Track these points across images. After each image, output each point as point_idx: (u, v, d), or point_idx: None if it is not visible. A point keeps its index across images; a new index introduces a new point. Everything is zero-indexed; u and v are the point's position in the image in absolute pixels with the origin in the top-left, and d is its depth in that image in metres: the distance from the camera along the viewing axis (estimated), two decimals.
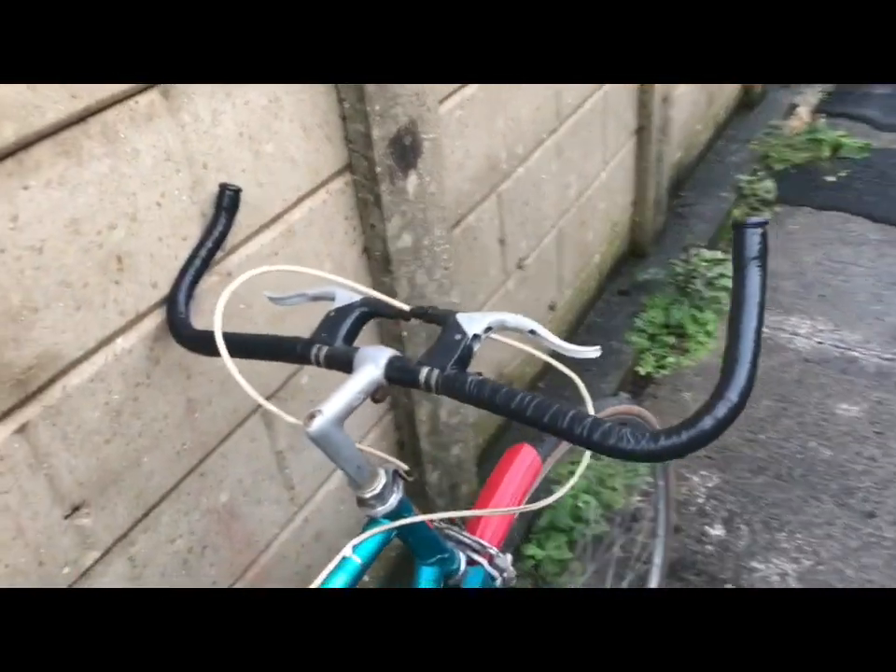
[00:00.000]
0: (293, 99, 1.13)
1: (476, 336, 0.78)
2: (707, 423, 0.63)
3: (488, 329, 0.79)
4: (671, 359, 2.48)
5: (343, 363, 0.80)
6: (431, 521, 0.93)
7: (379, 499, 0.83)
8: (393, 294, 1.40)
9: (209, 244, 1.01)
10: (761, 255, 0.66)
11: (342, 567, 0.80)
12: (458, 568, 0.97)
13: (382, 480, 0.82)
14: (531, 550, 1.87)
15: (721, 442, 2.18)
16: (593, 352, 0.75)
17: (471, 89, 1.57)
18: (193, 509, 1.14)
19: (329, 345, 0.83)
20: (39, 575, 0.93)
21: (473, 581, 0.98)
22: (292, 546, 1.38)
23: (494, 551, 1.01)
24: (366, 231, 1.35)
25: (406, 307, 0.85)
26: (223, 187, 1.02)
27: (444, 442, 1.70)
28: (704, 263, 2.72)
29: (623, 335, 2.52)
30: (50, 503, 0.92)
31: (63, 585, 0.96)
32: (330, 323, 0.85)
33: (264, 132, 1.10)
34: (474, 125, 1.61)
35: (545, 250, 2.11)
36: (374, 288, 1.40)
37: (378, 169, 1.26)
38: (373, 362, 0.78)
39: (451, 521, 1.00)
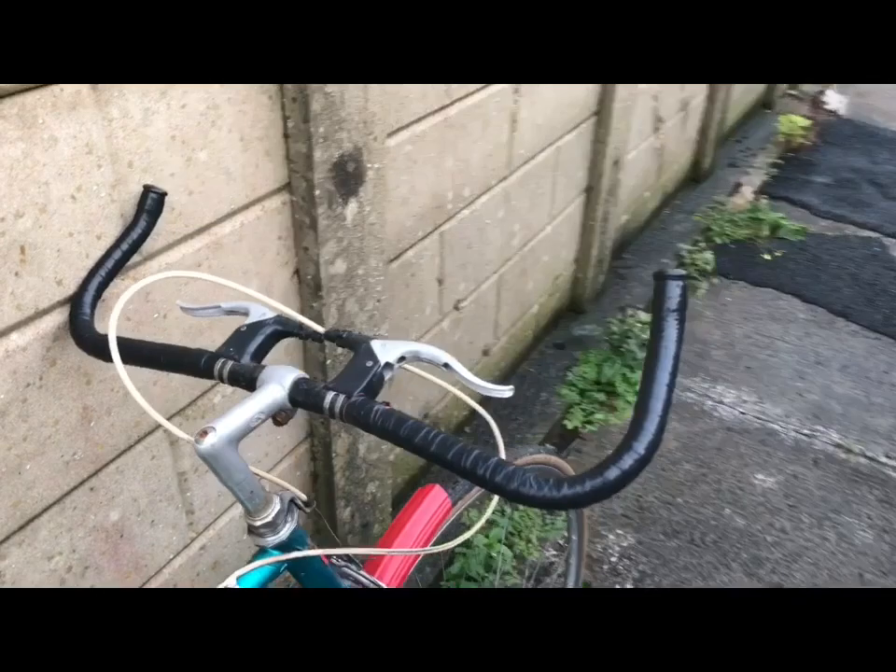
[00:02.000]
0: (233, 109, 1.10)
1: (388, 364, 0.75)
2: (612, 473, 0.61)
3: (401, 359, 0.76)
4: (599, 416, 2.48)
5: (248, 381, 0.76)
6: (328, 557, 0.88)
7: (270, 528, 0.78)
8: (320, 320, 1.36)
9: (124, 246, 0.97)
10: (679, 308, 0.65)
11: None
12: None
13: (275, 507, 0.78)
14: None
15: (638, 503, 2.18)
16: (505, 391, 0.73)
17: (423, 126, 1.56)
18: (78, 525, 1.07)
19: (235, 360, 0.79)
20: None
21: None
22: (186, 573, 1.31)
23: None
24: (299, 253, 1.32)
25: (320, 329, 0.82)
26: (147, 188, 0.98)
27: (361, 479, 1.65)
28: (639, 325, 2.75)
29: (554, 388, 2.52)
30: None
31: None
32: (240, 338, 0.81)
33: (199, 138, 1.06)
34: (423, 162, 1.61)
35: (484, 295, 2.11)
36: (302, 313, 1.36)
37: (317, 192, 1.24)
38: (278, 382, 0.74)
39: (348, 558, 0.96)
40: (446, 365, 0.76)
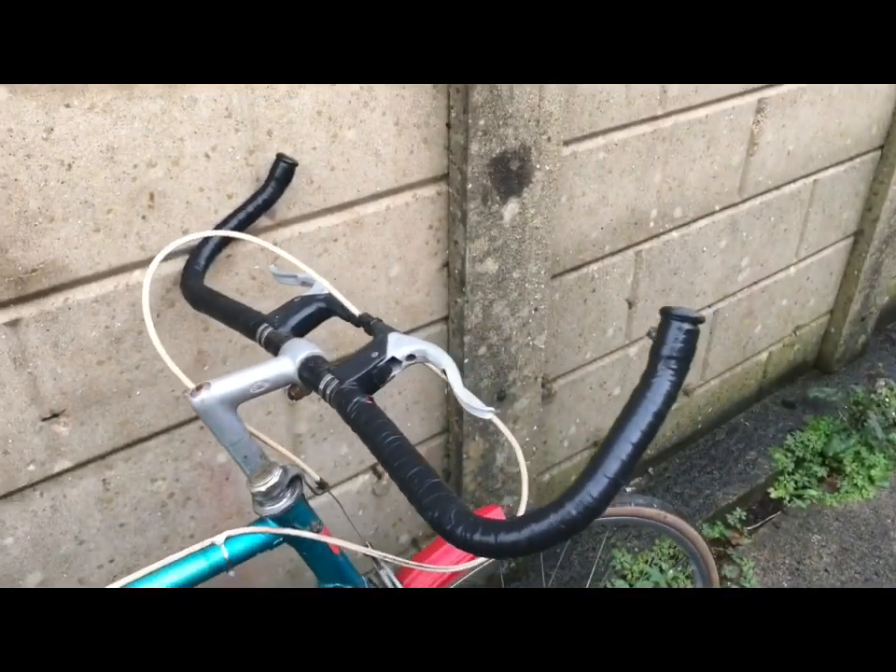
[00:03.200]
0: (390, 93, 1.11)
1: (395, 360, 0.71)
2: (535, 528, 0.52)
3: (411, 357, 0.71)
4: (813, 492, 2.15)
5: (275, 349, 0.77)
6: (344, 548, 0.86)
7: (266, 498, 0.78)
8: (462, 317, 1.33)
9: (250, 208, 1.02)
10: (679, 356, 0.54)
11: (205, 552, 0.77)
12: None
13: (273, 479, 0.78)
14: None
15: None
16: (486, 412, 0.65)
17: (623, 134, 1.46)
18: (185, 458, 1.16)
19: (275, 328, 0.79)
20: (1, 464, 0.99)
21: None
22: None
23: None
24: (450, 246, 1.30)
25: (357, 312, 0.80)
26: (279, 157, 1.03)
27: (496, 489, 1.60)
28: (891, 399, 2.34)
29: (767, 449, 2.23)
30: (28, 401, 0.97)
31: (25, 482, 1.02)
32: (290, 308, 0.82)
33: (348, 116, 1.09)
34: (620, 173, 1.50)
35: None
36: (448, 308, 1.35)
37: (470, 185, 1.21)
38: (291, 356, 0.73)
39: (378, 562, 0.93)
40: (444, 371, 0.69)
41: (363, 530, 1.48)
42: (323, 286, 0.82)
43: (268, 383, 0.73)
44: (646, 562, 1.87)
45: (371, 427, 0.63)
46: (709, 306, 1.94)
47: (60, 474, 1.05)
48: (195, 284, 0.96)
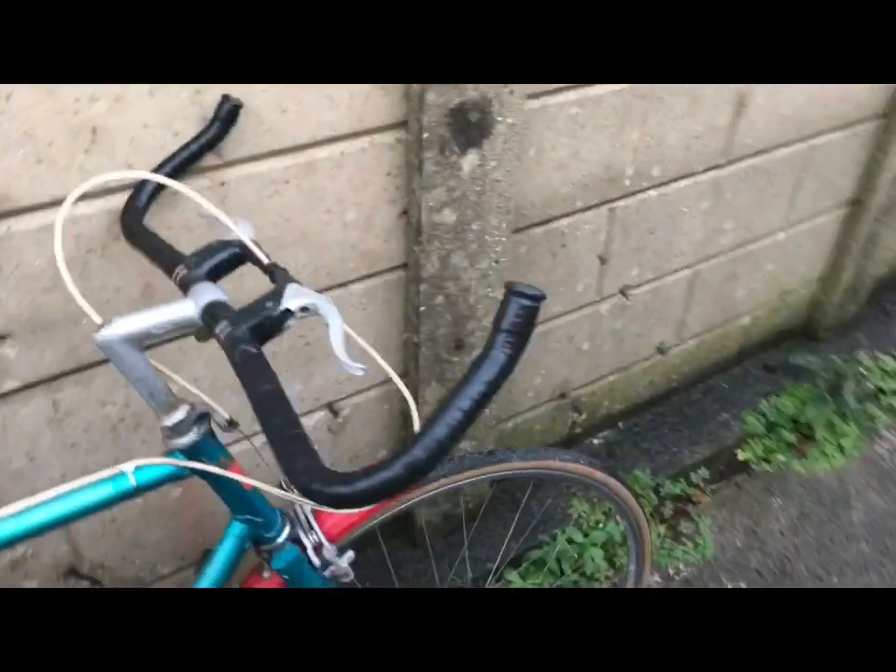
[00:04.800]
0: None
1: (289, 311, 0.73)
2: (362, 483, 0.55)
3: (304, 309, 0.74)
4: (781, 457, 2.18)
5: (185, 290, 0.80)
6: (256, 486, 0.90)
7: (173, 433, 0.82)
8: (419, 266, 1.35)
9: (194, 147, 1.04)
10: (518, 329, 0.56)
11: (114, 479, 0.81)
12: (274, 538, 0.94)
13: (179, 415, 0.81)
14: (512, 576, 1.78)
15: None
16: (356, 368, 0.68)
17: (598, 90, 1.44)
18: None
19: (190, 270, 0.82)
20: None
21: (284, 558, 0.95)
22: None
23: (323, 539, 0.97)
24: (409, 194, 1.31)
25: (266, 260, 0.82)
26: (224, 97, 1.04)
27: None
28: (879, 372, 2.34)
29: (741, 411, 2.25)
30: None
31: None
32: (207, 252, 0.84)
33: None
34: (593, 128, 1.49)
35: (667, 288, 1.93)
36: (406, 255, 1.37)
37: (426, 135, 1.21)
38: (194, 299, 0.76)
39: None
40: (328, 324, 0.72)
41: None
42: (233, 231, 0.84)
43: (171, 325, 0.76)
44: (603, 513, 1.92)
45: (251, 375, 0.66)
46: (688, 266, 1.94)
47: (8, 394, 1.10)
48: (131, 220, 0.98)
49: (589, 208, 1.61)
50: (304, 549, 0.96)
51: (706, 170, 1.76)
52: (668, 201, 1.74)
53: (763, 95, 1.73)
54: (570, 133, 1.46)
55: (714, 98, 1.64)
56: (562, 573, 1.79)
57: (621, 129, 1.53)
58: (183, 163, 1.04)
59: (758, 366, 2.43)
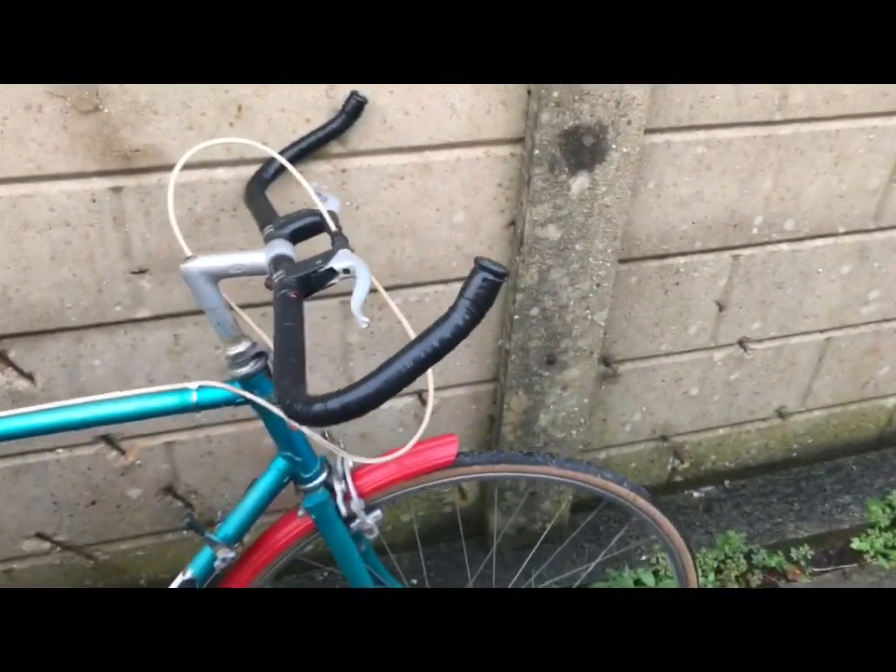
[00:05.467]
0: None
1: (332, 270, 0.84)
2: (333, 405, 0.63)
3: (346, 271, 0.84)
4: None
5: (266, 244, 0.93)
6: (293, 425, 1.01)
7: (233, 361, 0.95)
8: (517, 276, 1.43)
9: (321, 134, 1.19)
10: (478, 300, 0.63)
11: (180, 393, 0.96)
12: (311, 479, 1.05)
13: (239, 348, 0.95)
14: None
15: None
16: (362, 321, 0.76)
17: (729, 133, 1.45)
18: None
19: (276, 229, 0.95)
20: (97, 298, 1.25)
21: (315, 500, 1.05)
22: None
23: (354, 493, 1.07)
24: (518, 206, 1.39)
25: (335, 229, 0.93)
26: (352, 93, 1.18)
27: (536, 448, 1.69)
28: None
29: (866, 499, 2.09)
30: (120, 254, 1.22)
31: (112, 318, 1.28)
32: (292, 217, 0.97)
33: None
34: (720, 171, 1.49)
35: (794, 349, 1.85)
36: (509, 263, 1.45)
37: (536, 152, 1.29)
38: (266, 251, 0.89)
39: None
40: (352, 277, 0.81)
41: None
42: (317, 202, 0.96)
43: (243, 268, 0.89)
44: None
45: (281, 313, 0.78)
46: (820, 331, 1.85)
47: (140, 320, 1.30)
48: (254, 187, 1.14)
49: (709, 251, 1.60)
50: (334, 496, 1.07)
51: (849, 232, 1.69)
52: (801, 258, 1.69)
53: None
54: (694, 171, 1.48)
55: (864, 157, 1.58)
56: None
57: (751, 175, 1.52)
58: (310, 147, 1.19)
59: None
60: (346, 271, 0.84)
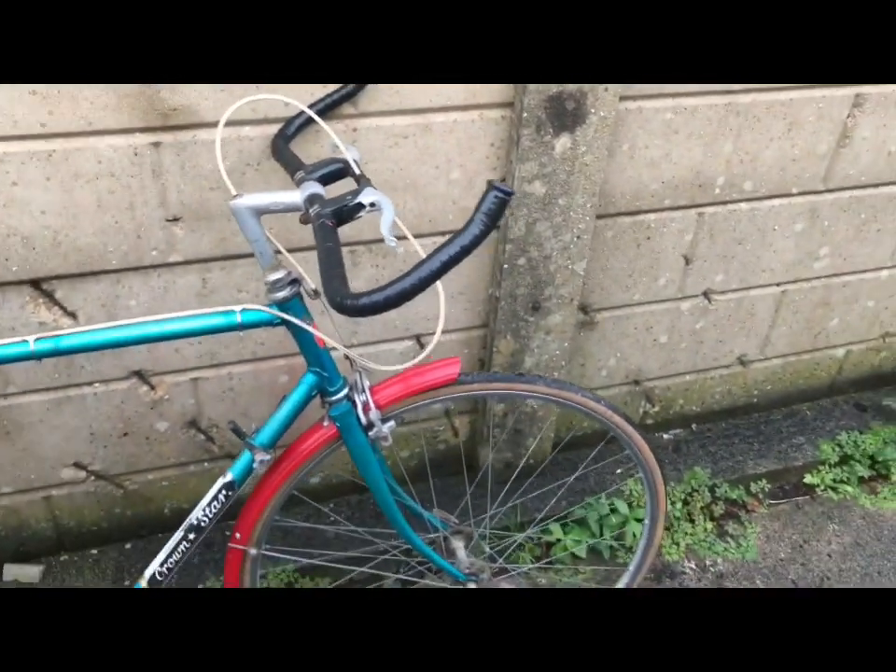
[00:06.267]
0: None
1: (360, 204, 1.00)
2: (372, 298, 0.80)
3: (372, 205, 1.00)
4: (849, 488, 2.22)
5: (299, 187, 1.09)
6: (324, 341, 1.18)
7: (272, 286, 1.12)
8: (506, 227, 1.60)
9: (336, 96, 1.35)
10: (491, 214, 0.80)
11: (225, 313, 1.12)
12: (335, 392, 1.22)
13: (277, 275, 1.11)
14: (554, 528, 1.97)
15: None
16: (392, 240, 0.93)
17: (694, 101, 1.63)
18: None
19: (306, 174, 1.12)
20: (136, 243, 1.40)
21: (339, 409, 1.23)
22: None
23: (372, 405, 1.24)
24: (507, 164, 1.57)
25: (358, 172, 1.10)
26: None
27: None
28: None
29: (818, 439, 2.31)
30: (157, 203, 1.38)
31: (148, 262, 1.43)
32: (320, 164, 1.14)
33: None
34: (686, 135, 1.67)
35: (753, 301, 2.05)
36: None
37: (525, 115, 1.46)
38: (301, 190, 1.05)
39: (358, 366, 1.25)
40: (378, 210, 0.97)
41: None
42: (343, 151, 1.13)
43: (283, 205, 1.06)
44: None
45: (322, 237, 0.94)
46: (777, 285, 2.05)
47: (173, 265, 1.46)
48: (279, 142, 1.30)
49: (677, 208, 1.79)
50: (356, 407, 1.24)
51: (801, 193, 1.88)
52: (759, 216, 1.88)
53: (870, 129, 1.83)
54: (663, 135, 1.66)
55: (814, 125, 1.77)
56: (601, 534, 1.96)
57: (714, 139, 1.70)
58: (327, 107, 1.35)
59: (849, 402, 2.46)
60: (372, 204, 1.00)
